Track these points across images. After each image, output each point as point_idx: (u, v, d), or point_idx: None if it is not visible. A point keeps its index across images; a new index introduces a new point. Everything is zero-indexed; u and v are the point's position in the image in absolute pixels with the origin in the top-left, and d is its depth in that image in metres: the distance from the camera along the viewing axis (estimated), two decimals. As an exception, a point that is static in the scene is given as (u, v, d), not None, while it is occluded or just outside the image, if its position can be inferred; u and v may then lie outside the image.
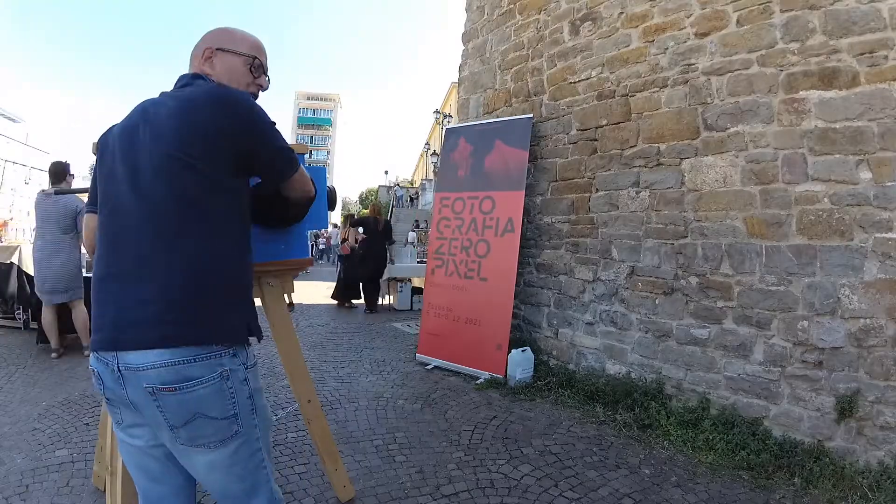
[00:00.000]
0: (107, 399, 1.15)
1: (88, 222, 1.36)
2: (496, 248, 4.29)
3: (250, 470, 1.19)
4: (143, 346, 1.06)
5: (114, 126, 1.26)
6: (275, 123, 1.25)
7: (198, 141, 1.12)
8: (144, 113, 1.19)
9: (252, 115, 1.20)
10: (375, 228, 7.83)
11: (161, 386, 1.05)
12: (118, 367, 1.07)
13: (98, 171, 1.26)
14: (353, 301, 8.26)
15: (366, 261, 7.78)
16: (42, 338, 4.83)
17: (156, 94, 1.27)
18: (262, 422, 1.21)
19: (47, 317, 4.43)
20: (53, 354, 4.43)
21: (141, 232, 1.11)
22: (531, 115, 4.38)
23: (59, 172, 4.47)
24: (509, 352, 3.99)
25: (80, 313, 4.41)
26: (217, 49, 1.32)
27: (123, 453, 1.20)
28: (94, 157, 1.31)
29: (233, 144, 1.15)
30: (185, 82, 1.27)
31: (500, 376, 3.95)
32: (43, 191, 4.40)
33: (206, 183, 1.13)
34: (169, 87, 1.31)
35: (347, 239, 8.01)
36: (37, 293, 4.47)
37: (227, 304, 1.16)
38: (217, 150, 1.14)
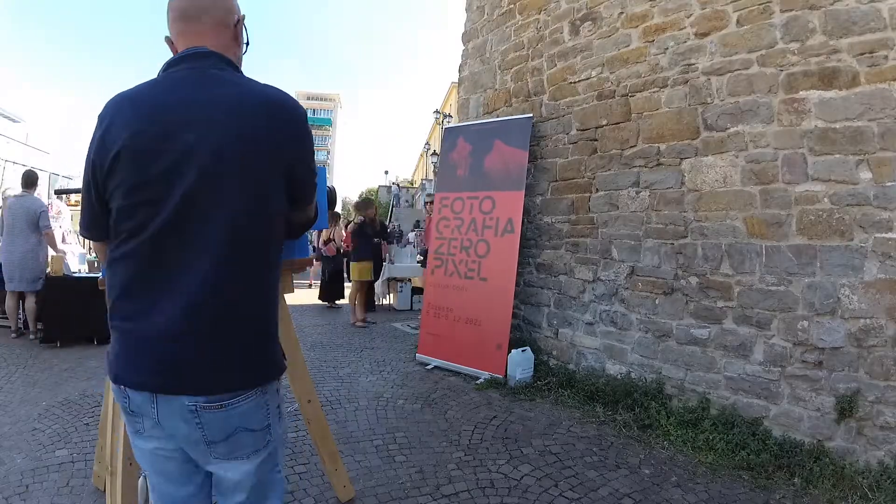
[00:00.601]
0: (130, 411, 1.07)
1: (99, 248, 1.18)
2: (496, 248, 4.29)
3: (270, 470, 1.18)
4: (196, 393, 0.99)
5: (121, 125, 1.00)
6: None
7: (263, 154, 1.00)
8: (191, 113, 0.99)
9: (310, 135, 1.12)
10: (372, 229, 7.80)
11: (206, 404, 1.00)
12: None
13: (107, 186, 1.02)
14: (338, 301, 8.25)
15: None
16: (45, 337, 4.85)
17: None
18: (284, 428, 1.20)
19: (10, 302, 5.04)
20: (13, 335, 5.09)
21: (198, 261, 0.97)
22: (531, 115, 4.38)
23: (32, 181, 5.19)
24: (509, 352, 3.99)
25: (30, 304, 5.00)
26: (242, 18, 1.17)
27: (141, 460, 1.16)
28: (92, 167, 1.03)
29: (290, 161, 1.06)
30: (215, 66, 1.06)
31: (500, 376, 3.95)
32: (12, 195, 5.16)
33: (272, 207, 1.04)
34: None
35: (333, 239, 7.97)
36: (5, 281, 4.96)
37: (276, 338, 1.13)
38: (279, 165, 1.04)
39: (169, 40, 1.15)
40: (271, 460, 1.16)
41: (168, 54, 1.13)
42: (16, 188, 5.84)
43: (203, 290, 0.98)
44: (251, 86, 1.06)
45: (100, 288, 1.90)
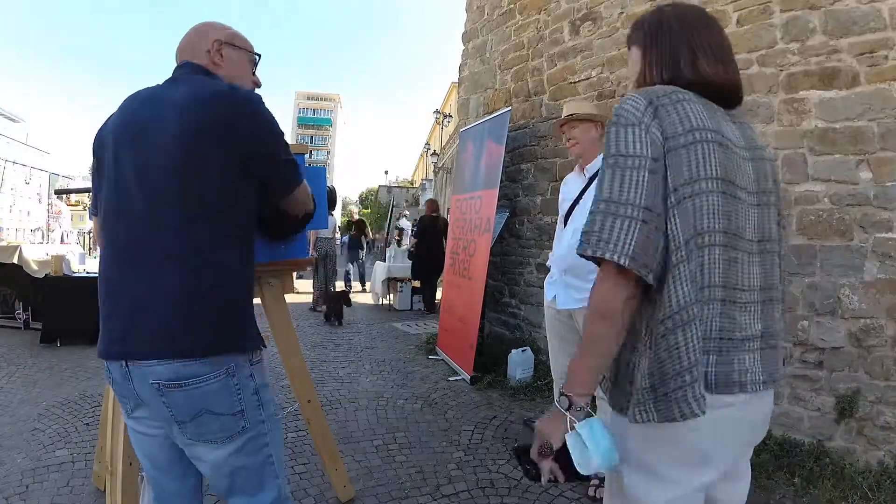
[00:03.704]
0: (117, 392, 1.16)
1: (97, 227, 1.29)
2: (479, 247, 4.30)
3: (258, 465, 1.18)
4: (151, 357, 1.05)
5: (108, 122, 1.20)
6: (283, 134, 1.22)
7: (210, 140, 1.08)
8: (149, 108, 1.12)
9: (265, 118, 1.17)
10: (433, 227, 7.50)
11: (167, 382, 1.05)
12: (125, 362, 1.09)
13: (96, 173, 1.21)
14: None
15: (423, 260, 7.41)
16: (45, 337, 4.84)
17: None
18: (269, 417, 1.20)
19: None
20: None
21: (151, 237, 1.07)
22: (510, 108, 4.39)
23: None
24: (509, 352, 3.99)
25: None
26: (225, 43, 1.28)
27: (132, 440, 1.22)
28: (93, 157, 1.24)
29: (243, 146, 1.11)
30: (187, 75, 1.20)
31: (468, 375, 4.00)
32: None
33: (218, 186, 1.10)
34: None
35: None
36: None
37: (238, 313, 1.15)
38: (229, 150, 1.10)
39: None
40: (254, 449, 1.16)
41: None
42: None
43: (160, 267, 1.07)
44: (204, 83, 1.16)
45: (100, 288, 1.90)
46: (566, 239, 2.48)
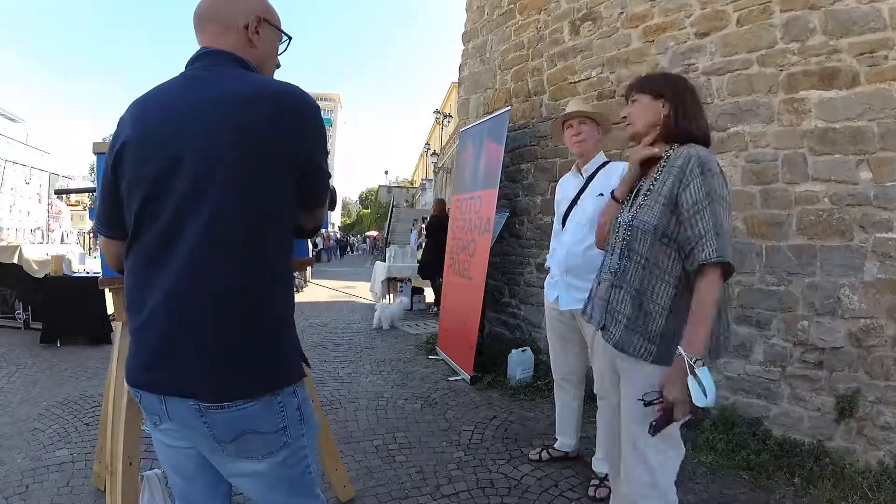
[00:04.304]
0: (143, 406, 1.08)
1: (109, 248, 1.15)
2: (480, 247, 4.29)
3: (296, 477, 1.13)
4: (192, 396, 0.97)
5: (124, 125, 1.04)
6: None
7: (264, 148, 0.98)
8: (188, 108, 0.99)
9: (322, 128, 1.08)
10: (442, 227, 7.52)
11: (210, 404, 0.97)
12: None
13: (113, 186, 1.04)
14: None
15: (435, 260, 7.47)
16: (45, 337, 4.84)
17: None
18: (309, 429, 1.15)
19: None
20: None
21: (205, 260, 0.96)
22: (509, 108, 4.39)
23: None
24: (509, 352, 3.99)
25: None
26: (264, 19, 1.13)
27: (158, 452, 1.15)
28: (102, 164, 1.06)
29: (293, 153, 1.02)
30: (219, 63, 1.06)
31: (468, 375, 4.00)
32: None
33: (275, 198, 1.01)
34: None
35: None
36: None
37: (289, 338, 1.08)
38: (284, 159, 1.01)
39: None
40: (295, 462, 1.12)
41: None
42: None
43: (188, 288, 0.97)
44: (255, 79, 1.04)
45: (100, 288, 1.90)
46: (566, 239, 2.48)
